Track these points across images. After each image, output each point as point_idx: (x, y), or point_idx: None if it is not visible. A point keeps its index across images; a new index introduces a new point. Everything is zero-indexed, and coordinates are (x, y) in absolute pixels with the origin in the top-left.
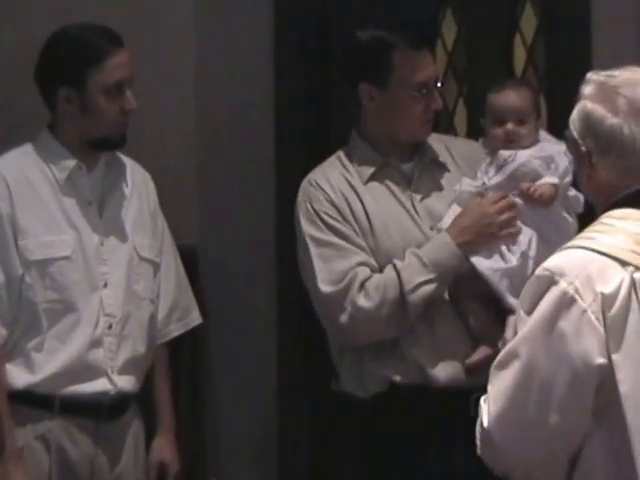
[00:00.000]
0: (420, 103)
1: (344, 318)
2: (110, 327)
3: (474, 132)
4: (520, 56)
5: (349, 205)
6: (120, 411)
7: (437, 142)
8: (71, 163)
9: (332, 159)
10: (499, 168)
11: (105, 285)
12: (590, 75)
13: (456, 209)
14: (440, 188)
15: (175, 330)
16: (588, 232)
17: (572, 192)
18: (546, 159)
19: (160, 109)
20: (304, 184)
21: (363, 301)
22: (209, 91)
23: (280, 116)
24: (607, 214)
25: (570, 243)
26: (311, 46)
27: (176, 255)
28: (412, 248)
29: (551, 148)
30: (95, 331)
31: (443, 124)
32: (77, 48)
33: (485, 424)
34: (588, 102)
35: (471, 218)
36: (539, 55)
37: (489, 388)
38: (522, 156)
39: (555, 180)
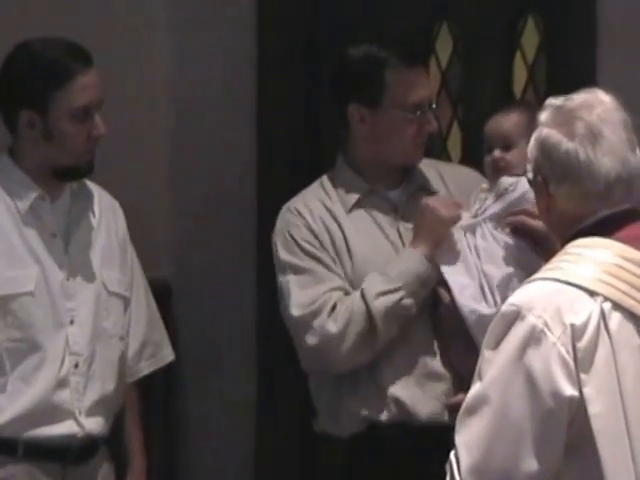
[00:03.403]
0: (413, 125)
1: (313, 340)
2: (76, 366)
3: (469, 158)
4: (520, 75)
5: (329, 234)
6: (88, 454)
7: (429, 168)
8: (34, 193)
9: (315, 185)
10: (498, 196)
11: (71, 322)
12: (548, 101)
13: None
14: None
15: (146, 368)
16: (554, 263)
17: None
18: None
19: (133, 134)
20: (283, 211)
21: (331, 325)
22: (185, 115)
23: (263, 143)
24: (572, 243)
25: (536, 275)
26: (297, 66)
27: (147, 288)
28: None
29: None
30: (60, 371)
31: (436, 149)
32: (40, 67)
33: (457, 478)
34: (544, 128)
35: (422, 220)
36: (540, 74)
37: (458, 438)
38: (524, 185)
39: None
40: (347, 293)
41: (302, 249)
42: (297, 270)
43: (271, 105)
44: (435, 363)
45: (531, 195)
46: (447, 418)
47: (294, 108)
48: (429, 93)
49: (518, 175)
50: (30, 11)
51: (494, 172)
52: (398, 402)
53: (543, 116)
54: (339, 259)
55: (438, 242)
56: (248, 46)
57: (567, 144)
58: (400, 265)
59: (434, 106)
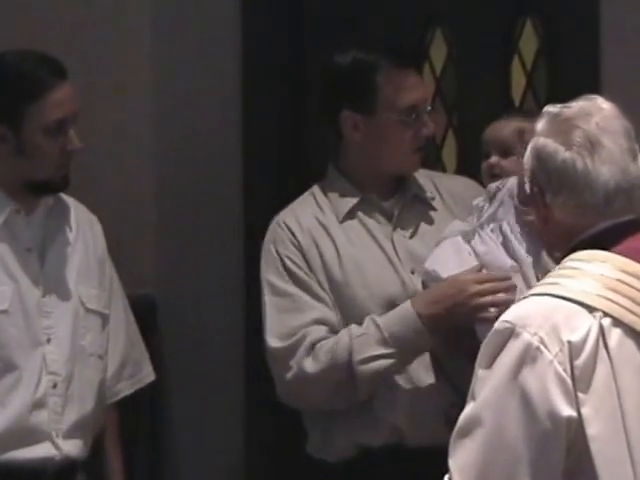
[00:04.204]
0: (409, 129)
1: (289, 377)
2: (54, 386)
3: (465, 167)
4: (519, 81)
5: (318, 250)
6: (66, 478)
7: (424, 178)
8: (8, 207)
9: (306, 196)
10: (491, 200)
11: (48, 340)
12: (546, 108)
13: (442, 250)
14: (424, 227)
15: (126, 388)
16: (551, 277)
17: None
18: None
19: (115, 147)
20: (272, 224)
21: (310, 364)
22: (170, 128)
23: (248, 155)
24: (570, 257)
25: (532, 291)
26: (283, 77)
27: (126, 305)
28: (373, 315)
29: None
30: (37, 391)
31: (430, 158)
32: (12, 80)
33: None
34: (541, 137)
35: (446, 291)
36: (540, 80)
37: (452, 461)
38: (511, 180)
39: None
40: (329, 325)
41: (286, 267)
42: (277, 292)
43: (257, 114)
44: (430, 385)
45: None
46: (445, 435)
47: (280, 118)
48: (424, 95)
49: None
50: (12, 15)
51: (489, 178)
52: (392, 426)
53: (539, 125)
54: (328, 277)
55: (447, 323)
56: (232, 52)
57: (564, 154)
58: (399, 327)
59: (429, 109)
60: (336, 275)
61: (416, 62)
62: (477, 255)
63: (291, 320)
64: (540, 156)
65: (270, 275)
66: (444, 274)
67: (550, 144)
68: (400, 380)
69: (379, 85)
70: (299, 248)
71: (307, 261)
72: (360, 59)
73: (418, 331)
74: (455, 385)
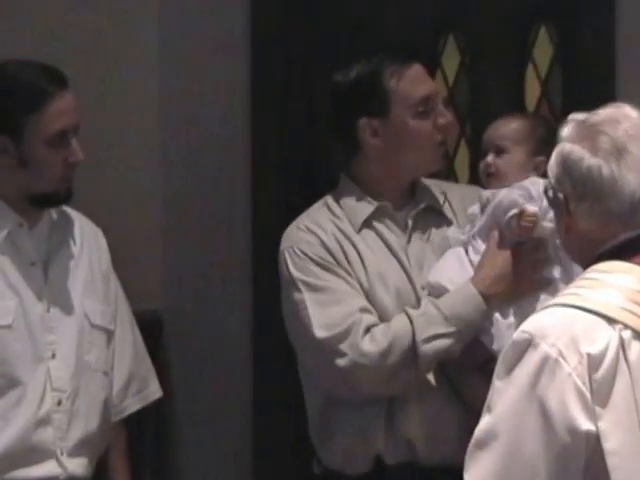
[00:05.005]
0: (427, 121)
1: (343, 363)
2: (59, 403)
3: (477, 177)
4: (533, 90)
5: (343, 251)
6: None
7: (434, 187)
8: (11, 220)
9: (319, 205)
10: (482, 210)
11: (53, 356)
12: (571, 116)
13: (445, 262)
14: (436, 238)
15: (132, 405)
16: (572, 288)
17: None
18: (524, 189)
19: (121, 160)
20: (291, 230)
21: (369, 345)
22: (176, 141)
23: (256, 169)
24: (591, 268)
25: (551, 301)
26: (293, 89)
27: (132, 321)
28: (429, 297)
29: (529, 181)
30: (41, 408)
31: (442, 168)
32: (13, 90)
33: None
34: (566, 143)
35: (506, 266)
36: (555, 88)
37: (467, 475)
38: (502, 191)
39: (534, 208)
40: (373, 314)
41: (319, 265)
42: (313, 288)
43: (265, 131)
44: (447, 403)
45: (507, 198)
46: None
47: (289, 137)
48: (433, 87)
49: (506, 185)
50: (17, 33)
51: (485, 177)
52: (409, 443)
53: (565, 131)
54: (355, 275)
55: (512, 295)
56: (240, 56)
57: (590, 160)
58: (460, 307)
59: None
60: (362, 281)
61: (417, 58)
62: (472, 264)
63: (336, 310)
64: (565, 163)
65: (302, 275)
66: (449, 285)
67: (576, 150)
68: (414, 395)
69: (387, 85)
70: (326, 248)
71: (335, 260)
72: (362, 70)
73: (480, 310)
74: (464, 395)
